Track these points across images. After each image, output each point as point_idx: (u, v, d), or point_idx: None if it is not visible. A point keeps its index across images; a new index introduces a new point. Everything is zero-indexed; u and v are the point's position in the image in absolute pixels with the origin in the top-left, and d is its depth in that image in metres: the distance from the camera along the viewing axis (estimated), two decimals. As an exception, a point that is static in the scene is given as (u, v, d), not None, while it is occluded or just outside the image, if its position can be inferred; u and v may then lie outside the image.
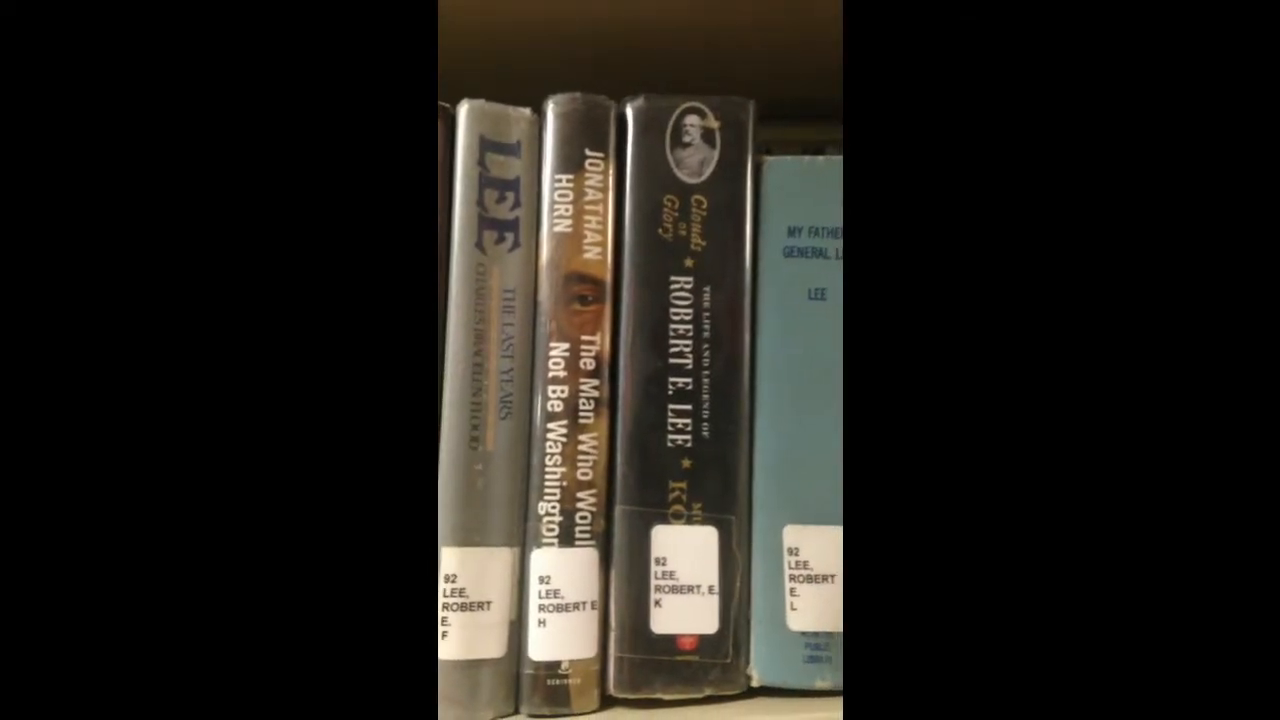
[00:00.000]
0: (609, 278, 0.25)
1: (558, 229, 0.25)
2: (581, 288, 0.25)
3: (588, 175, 0.25)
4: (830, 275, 0.26)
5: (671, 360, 0.25)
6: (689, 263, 0.26)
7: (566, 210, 0.25)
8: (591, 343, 0.25)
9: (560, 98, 0.25)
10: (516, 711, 0.23)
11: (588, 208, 0.25)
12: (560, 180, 0.25)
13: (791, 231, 0.26)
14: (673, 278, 0.25)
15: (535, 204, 0.25)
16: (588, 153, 0.25)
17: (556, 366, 0.24)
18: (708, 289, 0.26)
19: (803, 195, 0.26)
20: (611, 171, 0.25)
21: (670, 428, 0.25)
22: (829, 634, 0.25)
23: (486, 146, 0.25)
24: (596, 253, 0.25)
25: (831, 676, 0.25)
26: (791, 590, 0.25)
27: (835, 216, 0.26)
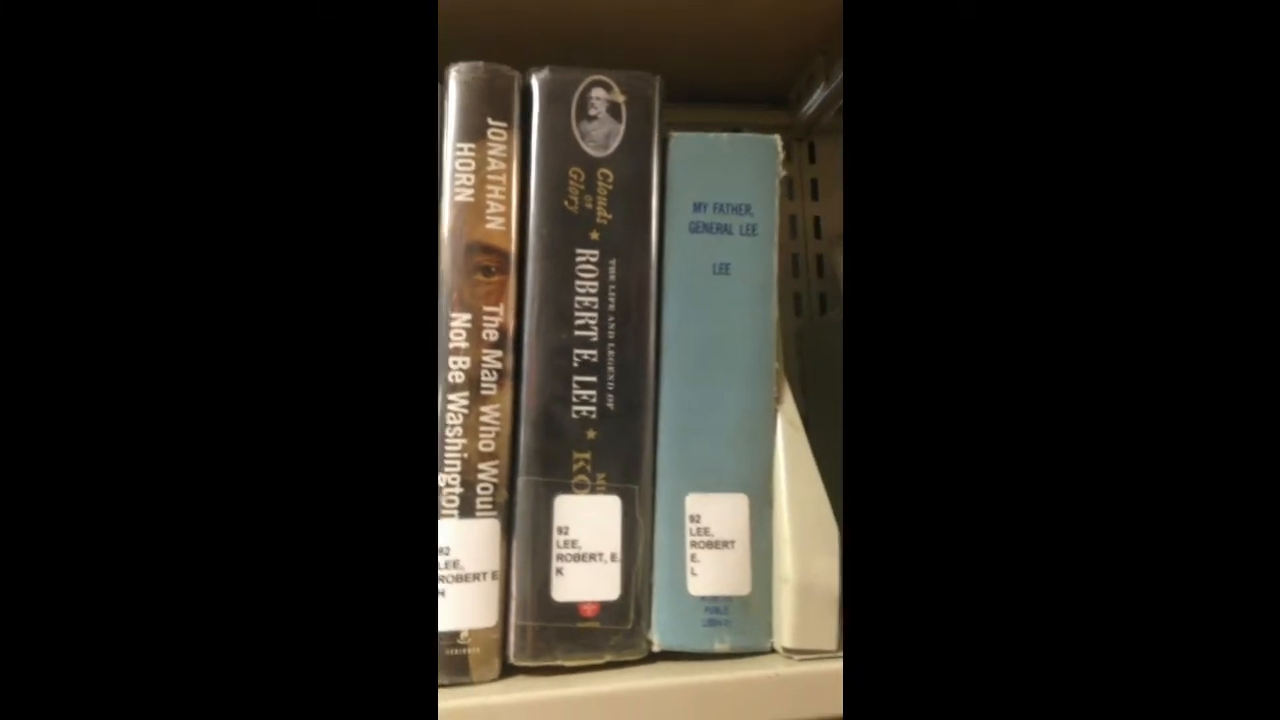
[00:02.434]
0: (513, 249, 0.25)
1: (459, 198, 0.25)
2: (484, 258, 0.25)
3: (490, 145, 0.25)
4: (734, 250, 0.27)
5: (577, 333, 0.25)
6: (595, 235, 0.26)
7: (468, 180, 0.25)
8: (494, 314, 0.25)
9: (463, 66, 0.25)
10: (417, 682, 0.23)
11: (490, 177, 0.25)
12: (462, 149, 0.25)
13: (697, 207, 0.27)
14: (578, 250, 0.26)
15: (437, 173, 0.25)
16: (490, 122, 0.25)
17: (458, 338, 0.24)
18: (614, 262, 0.26)
19: (709, 171, 0.27)
20: (515, 142, 0.25)
21: (575, 399, 0.25)
22: (728, 598, 0.25)
23: (387, 113, 0.24)
24: (499, 223, 0.25)
25: (730, 639, 0.25)
26: (692, 556, 0.26)
27: (740, 193, 0.27)
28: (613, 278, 0.26)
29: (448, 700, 0.22)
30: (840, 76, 0.39)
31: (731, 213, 0.27)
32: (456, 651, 0.23)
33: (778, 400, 0.27)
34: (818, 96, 0.41)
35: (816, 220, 0.46)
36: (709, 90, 0.42)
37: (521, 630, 0.24)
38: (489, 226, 0.25)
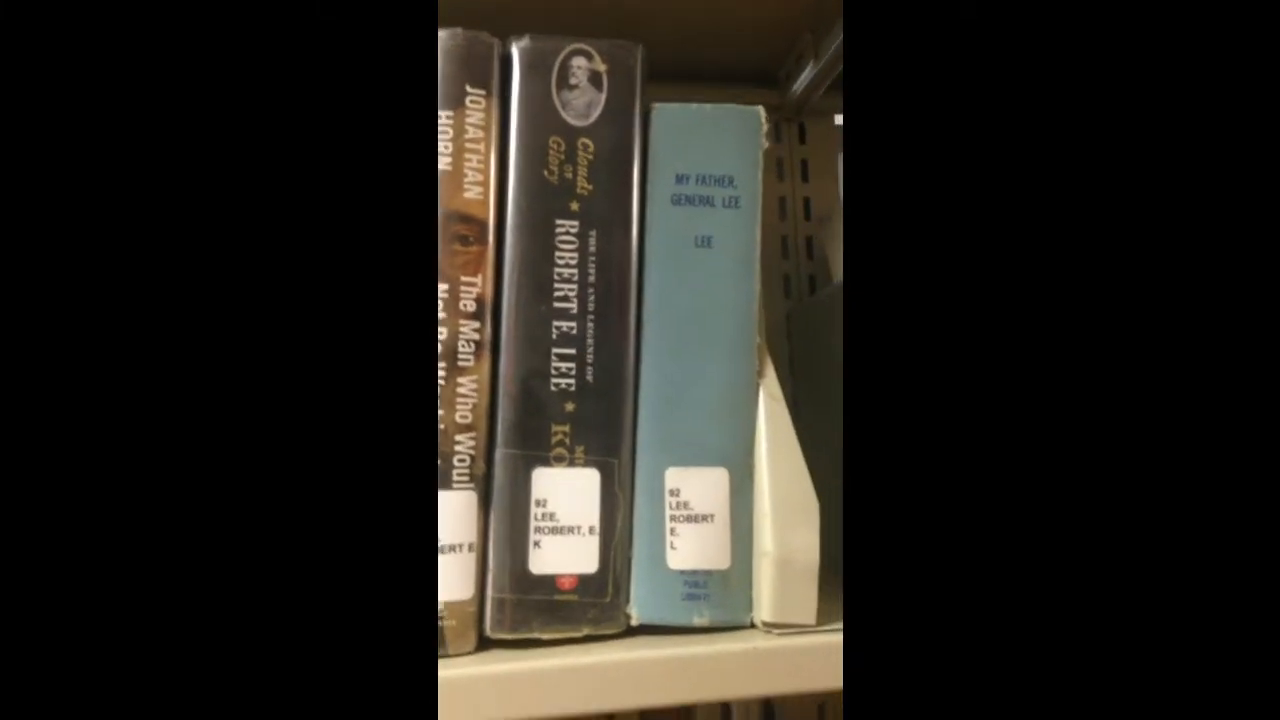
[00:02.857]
0: (491, 219, 0.25)
1: (438, 166, 0.24)
2: (461, 228, 0.24)
3: (469, 113, 0.24)
4: (717, 223, 0.26)
5: (556, 304, 0.25)
6: (575, 206, 0.25)
7: (446, 147, 0.24)
8: (472, 284, 0.24)
9: (441, 32, 0.25)
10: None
11: (468, 146, 0.24)
12: (440, 117, 0.24)
13: (680, 179, 0.26)
14: (558, 221, 0.25)
15: (415, 141, 0.24)
16: (469, 89, 0.24)
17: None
18: (594, 233, 0.25)
19: (691, 143, 0.27)
20: (494, 110, 0.25)
21: (554, 372, 0.25)
22: (707, 572, 0.25)
23: (364, 80, 0.24)
24: (477, 192, 0.24)
25: (709, 613, 0.25)
26: (672, 530, 0.25)
27: (723, 165, 0.27)
28: (593, 249, 0.25)
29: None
30: (829, 53, 0.39)
31: (714, 185, 0.26)
32: (432, 623, 0.23)
33: (760, 375, 0.26)
34: (807, 74, 0.40)
35: (806, 201, 0.46)
36: (696, 68, 0.42)
37: (498, 603, 0.24)
38: (467, 196, 0.24)
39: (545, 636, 0.24)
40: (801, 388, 0.41)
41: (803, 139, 0.46)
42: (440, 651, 0.23)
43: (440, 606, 0.23)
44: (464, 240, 0.24)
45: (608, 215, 0.25)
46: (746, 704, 0.44)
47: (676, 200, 0.26)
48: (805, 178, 0.46)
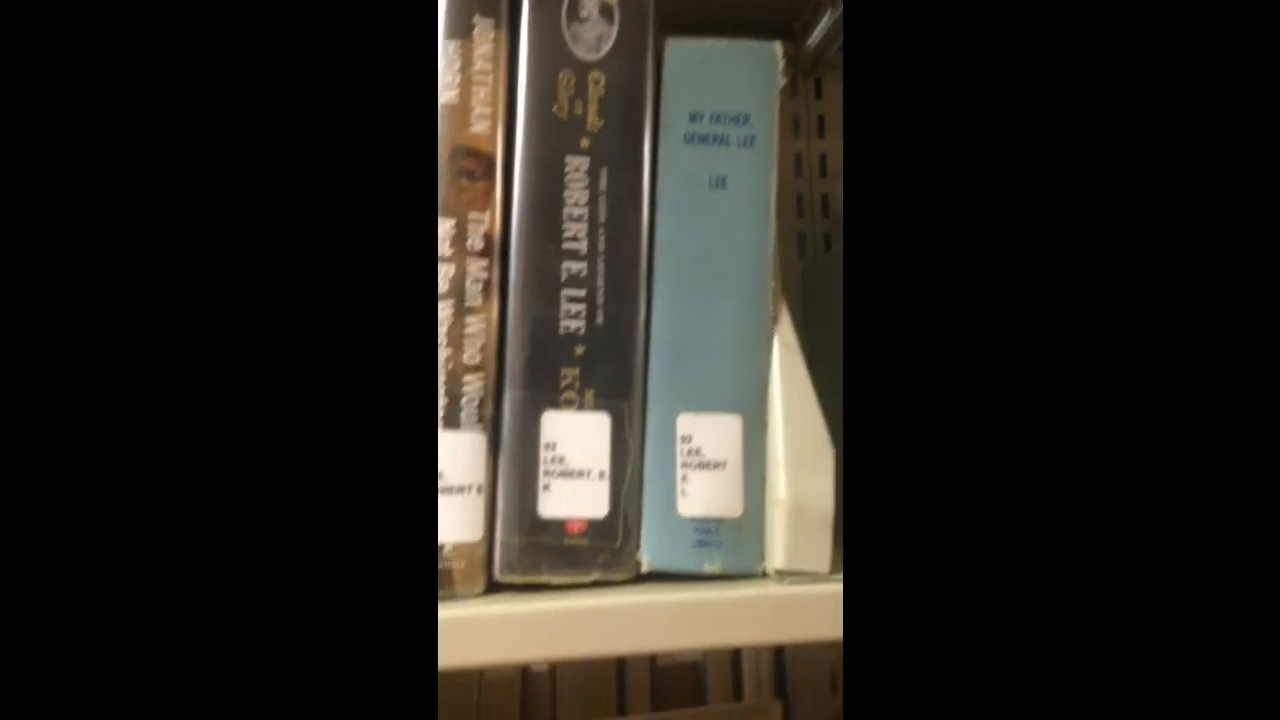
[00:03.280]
0: (499, 153, 0.24)
1: (444, 99, 0.23)
2: (469, 162, 0.24)
3: (476, 44, 0.24)
4: (731, 163, 0.26)
5: (565, 244, 0.24)
6: (585, 143, 0.25)
7: (453, 79, 0.23)
8: (479, 221, 0.24)
9: (448, -41, 0.24)
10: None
11: (476, 78, 0.24)
12: (447, 47, 0.23)
13: (693, 117, 0.26)
14: (567, 158, 0.24)
15: (421, 73, 0.24)
16: (477, 19, 0.24)
17: (442, 244, 0.23)
18: (605, 171, 0.25)
19: (706, 80, 0.26)
20: (503, 41, 0.24)
21: (563, 314, 0.24)
22: (719, 519, 0.25)
23: (369, 10, 0.23)
24: (485, 126, 0.24)
25: (721, 560, 0.25)
26: (683, 477, 0.25)
27: (738, 103, 0.26)
28: (603, 188, 0.25)
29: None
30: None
31: (729, 123, 0.26)
32: (441, 565, 0.23)
33: (774, 320, 0.26)
34: (825, 23, 0.39)
35: (823, 158, 0.45)
36: (708, 19, 0.40)
37: (507, 546, 0.24)
38: (474, 130, 0.24)
39: (554, 581, 0.24)
40: (815, 346, 0.40)
41: (819, 94, 0.45)
42: (448, 593, 0.23)
43: (449, 548, 0.23)
44: (471, 175, 0.24)
45: (619, 153, 0.25)
46: (757, 656, 0.44)
47: (690, 139, 0.26)
48: (821, 134, 0.45)
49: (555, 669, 0.50)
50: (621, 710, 0.49)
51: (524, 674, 0.50)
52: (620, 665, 0.50)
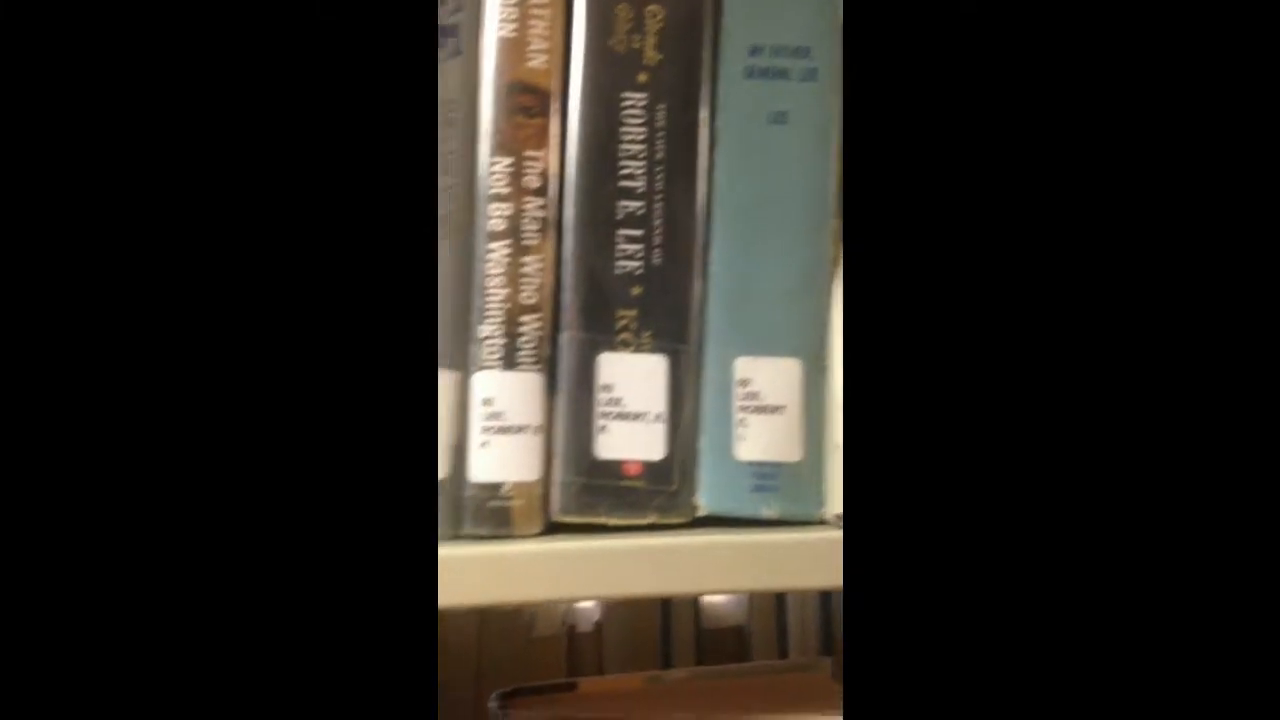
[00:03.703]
0: (555, 88, 0.23)
1: (501, 33, 0.23)
2: (525, 98, 0.23)
3: (533, -25, 0.23)
4: (793, 98, 0.25)
5: (622, 183, 0.24)
6: (642, 78, 0.24)
7: (511, 13, 0.23)
8: (536, 158, 0.23)
9: (504, -111, 0.23)
10: (459, 534, 0.23)
11: (534, 11, 0.23)
12: (503, -21, 0.23)
13: (754, 51, 0.25)
14: (625, 93, 0.24)
15: (478, 6, 0.23)
16: (533, -50, 0.23)
17: (499, 183, 0.23)
18: (662, 107, 0.24)
19: (766, 12, 0.25)
20: (560, -27, 0.23)
21: (619, 254, 0.24)
22: (777, 464, 0.24)
23: (423, -58, 0.23)
24: (542, 61, 0.23)
25: (779, 506, 0.24)
26: (741, 421, 0.24)
27: (800, 35, 0.25)
28: (661, 124, 0.24)
29: (490, 549, 0.22)
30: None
31: (789, 56, 0.25)
32: (500, 504, 0.23)
33: (835, 261, 0.25)
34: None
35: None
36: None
37: (565, 486, 0.24)
38: (531, 65, 0.23)
39: (611, 522, 0.24)
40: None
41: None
42: (507, 531, 0.23)
43: (508, 486, 0.23)
44: (528, 112, 0.23)
45: (677, 88, 0.24)
46: (803, 620, 0.44)
47: (750, 73, 0.25)
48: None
49: (601, 628, 0.50)
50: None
51: (570, 633, 0.51)
52: (665, 627, 0.50)
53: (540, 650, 0.48)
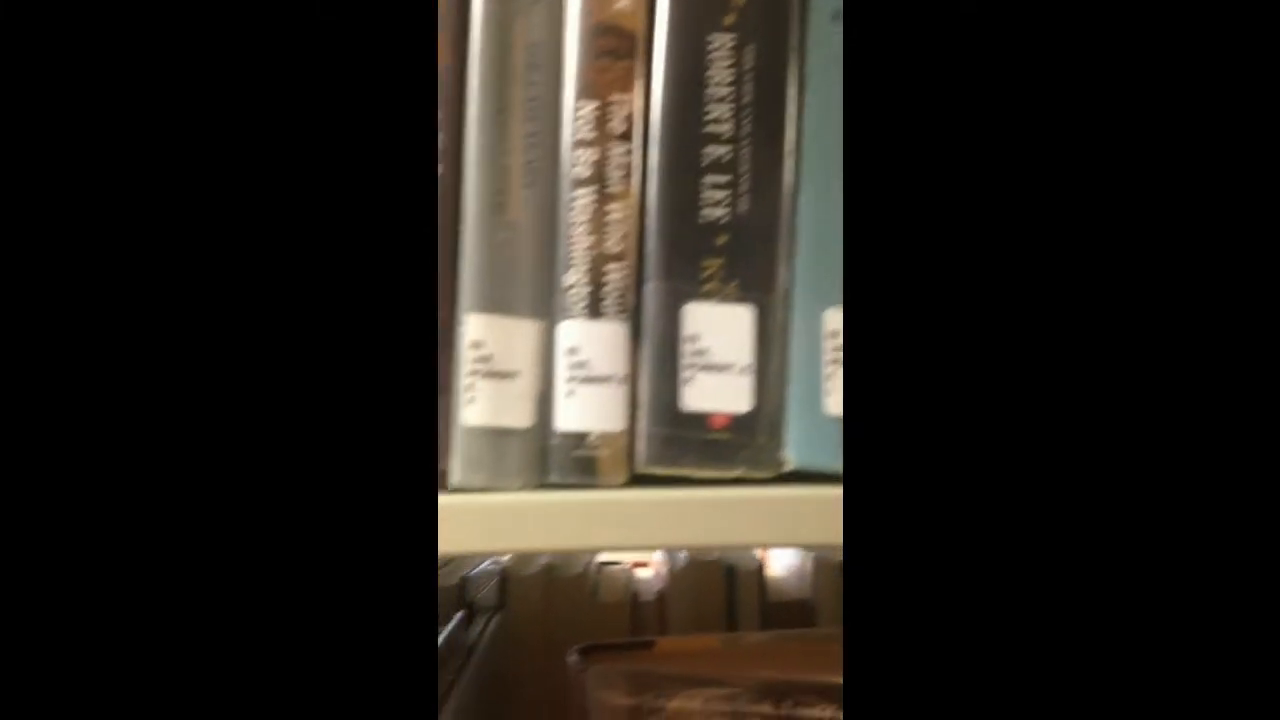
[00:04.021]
0: (642, 30, 0.23)
1: (586, -26, 0.23)
2: (611, 40, 0.23)
3: (619, -87, 0.23)
4: (886, 37, 0.24)
5: (708, 127, 0.23)
6: (729, 19, 0.23)
7: (596, -47, 0.23)
8: (622, 103, 0.23)
9: None
10: (546, 482, 0.23)
11: (619, -49, 0.23)
12: (589, -81, 0.23)
13: (844, -11, 0.24)
14: (711, 35, 0.23)
15: (562, -51, 0.23)
16: (619, -113, 0.23)
17: (585, 128, 0.23)
18: (750, 49, 0.23)
19: (858, -53, 0.24)
20: (646, -88, 0.23)
21: (704, 201, 0.23)
22: (868, 418, 0.24)
23: (508, -117, 0.22)
24: (628, 2, 0.23)
25: (869, 461, 0.24)
26: (829, 375, 0.24)
27: (894, -29, 0.24)
28: (749, 67, 0.23)
29: (577, 496, 0.22)
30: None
31: (884, -7, 0.24)
32: (586, 453, 0.23)
33: (930, 208, 0.24)
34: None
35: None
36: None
37: (650, 437, 0.23)
38: (618, 7, 0.23)
39: (697, 474, 0.23)
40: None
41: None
42: (592, 481, 0.23)
43: (594, 436, 0.23)
44: (614, 54, 0.23)
45: (765, 30, 0.23)
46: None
47: (838, 16, 0.24)
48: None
49: (664, 598, 0.50)
50: (735, 637, 0.49)
51: (633, 601, 0.51)
52: (730, 598, 0.50)
53: (606, 615, 0.48)
